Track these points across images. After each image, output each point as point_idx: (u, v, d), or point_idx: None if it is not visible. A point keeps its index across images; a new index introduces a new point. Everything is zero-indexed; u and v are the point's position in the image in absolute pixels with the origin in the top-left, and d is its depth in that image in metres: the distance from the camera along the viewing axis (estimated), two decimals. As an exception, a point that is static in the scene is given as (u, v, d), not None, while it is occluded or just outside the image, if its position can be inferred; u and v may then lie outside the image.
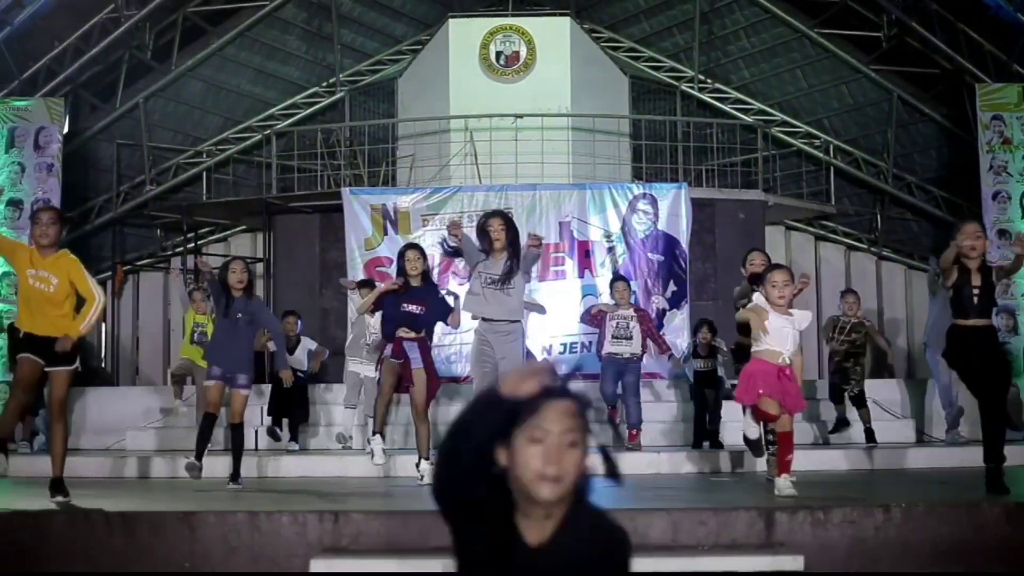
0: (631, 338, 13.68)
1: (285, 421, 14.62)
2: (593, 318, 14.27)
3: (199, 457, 10.94)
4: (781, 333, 9.06)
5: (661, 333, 15.63)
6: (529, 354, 13.77)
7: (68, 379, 9.29)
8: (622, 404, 13.72)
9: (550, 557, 3.10)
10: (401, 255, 11.17)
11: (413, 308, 10.86)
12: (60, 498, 9.01)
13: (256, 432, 14.60)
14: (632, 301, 14.62)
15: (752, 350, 9.22)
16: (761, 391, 8.99)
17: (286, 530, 7.20)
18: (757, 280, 9.86)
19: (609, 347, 13.75)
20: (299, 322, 15.13)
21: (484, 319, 10.79)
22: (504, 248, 10.66)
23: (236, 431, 11.15)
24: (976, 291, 9.08)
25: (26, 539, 7.48)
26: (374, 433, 11.29)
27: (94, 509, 8.08)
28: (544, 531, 3.12)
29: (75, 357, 9.30)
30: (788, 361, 9.03)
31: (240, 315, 10.94)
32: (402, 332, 10.85)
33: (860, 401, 14.16)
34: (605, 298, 17.03)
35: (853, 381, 14.17)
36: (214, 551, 7.27)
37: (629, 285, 14.38)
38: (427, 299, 10.97)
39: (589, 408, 3.14)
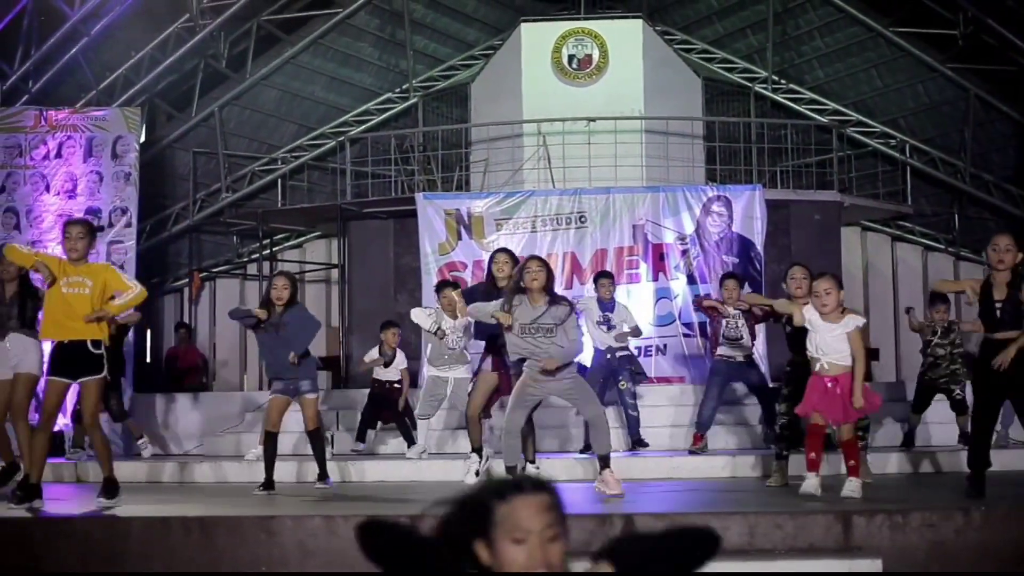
0: (742, 338, 13.19)
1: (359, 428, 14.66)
2: (705, 311, 13.99)
3: (268, 484, 10.85)
4: (822, 339, 9.12)
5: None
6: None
7: (98, 388, 9.35)
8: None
9: None
10: (492, 260, 11.15)
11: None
12: (106, 500, 9.14)
13: (332, 436, 14.67)
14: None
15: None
16: (812, 408, 9.10)
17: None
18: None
19: (721, 349, 13.28)
20: (399, 335, 14.91)
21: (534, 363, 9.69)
22: (542, 290, 9.64)
23: (314, 436, 11.14)
24: (999, 304, 8.95)
25: (106, 543, 7.57)
26: (472, 451, 11.19)
27: (175, 517, 8.13)
28: None
29: (102, 366, 9.31)
30: (827, 368, 9.07)
31: (278, 328, 10.91)
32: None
33: (963, 407, 13.65)
34: (680, 301, 17.03)
35: (959, 384, 13.72)
36: (291, 555, 7.32)
37: (740, 283, 13.66)
38: None
39: (560, 498, 3.19)
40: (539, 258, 10.07)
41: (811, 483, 9.04)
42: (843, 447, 9.30)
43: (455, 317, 12.34)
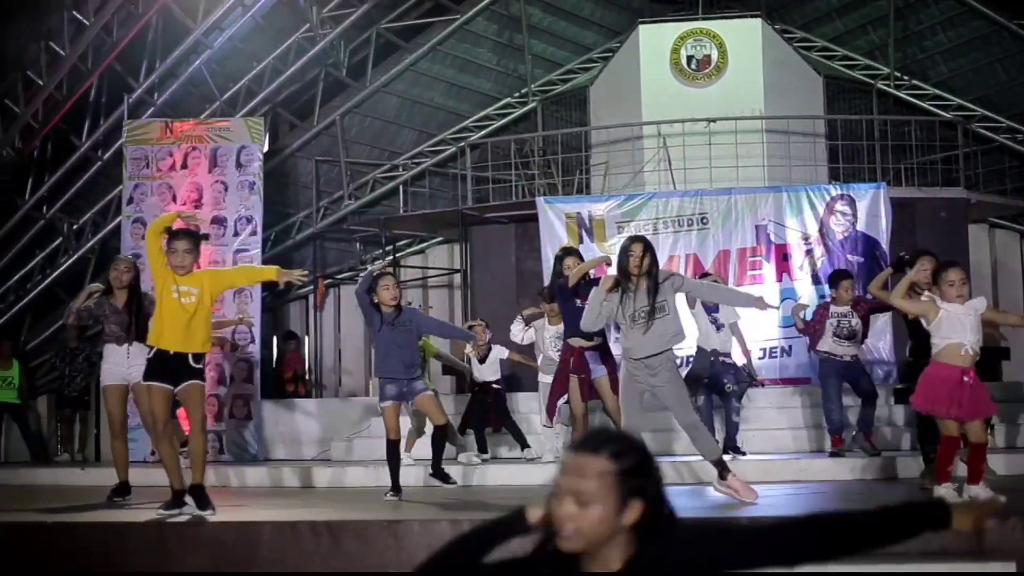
0: (855, 336, 12.91)
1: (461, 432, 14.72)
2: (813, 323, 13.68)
3: (395, 489, 10.81)
4: (960, 322, 8.65)
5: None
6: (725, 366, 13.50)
7: (200, 393, 9.44)
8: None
9: None
10: (560, 259, 11.16)
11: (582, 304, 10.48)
12: (204, 512, 9.15)
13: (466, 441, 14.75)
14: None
15: (932, 353, 8.87)
16: (942, 412, 8.72)
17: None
18: (899, 268, 9.54)
19: (828, 345, 12.91)
20: (488, 330, 15.00)
21: (633, 358, 9.58)
22: (644, 275, 9.40)
23: (440, 432, 11.15)
24: None
25: (237, 547, 7.66)
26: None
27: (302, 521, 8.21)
28: (608, 566, 3.20)
29: (203, 376, 9.44)
30: (973, 352, 8.62)
31: (393, 325, 10.84)
32: (582, 342, 10.72)
33: None
34: (805, 302, 16.83)
35: None
36: (417, 558, 7.33)
37: (853, 282, 13.47)
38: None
39: (626, 465, 3.18)
40: (641, 239, 9.78)
41: (945, 493, 8.53)
42: (973, 450, 8.79)
43: (554, 324, 12.40)
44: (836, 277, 13.43)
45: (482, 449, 14.39)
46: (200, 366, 9.35)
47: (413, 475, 12.17)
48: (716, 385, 13.42)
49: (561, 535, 3.13)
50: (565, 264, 11.03)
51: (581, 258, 11.25)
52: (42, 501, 10.71)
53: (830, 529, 3.33)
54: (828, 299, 13.42)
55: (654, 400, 9.77)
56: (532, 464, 13.32)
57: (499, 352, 14.74)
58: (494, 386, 14.60)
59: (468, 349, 14.84)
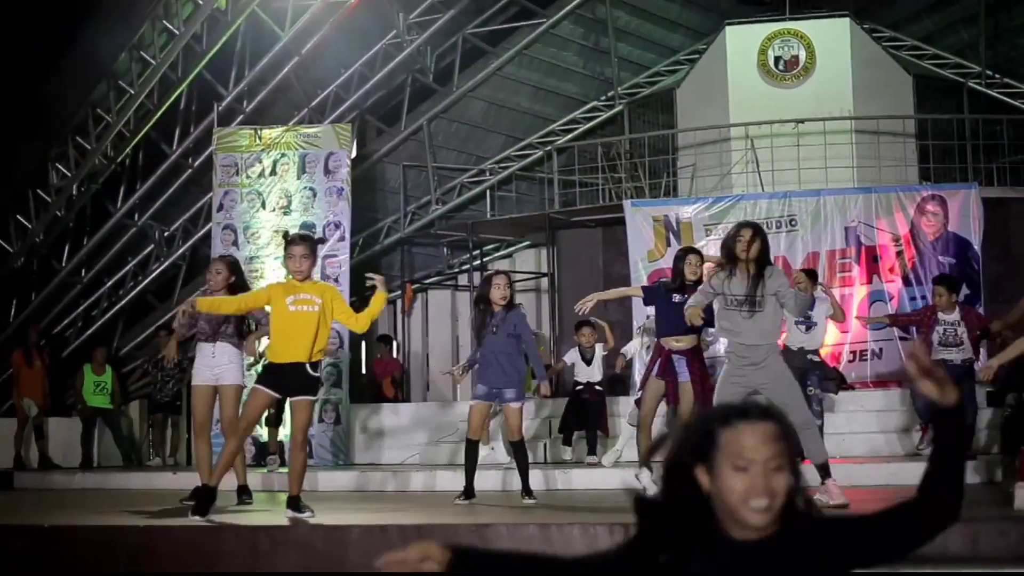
0: (961, 344, 12.78)
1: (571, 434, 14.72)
2: (901, 327, 13.48)
3: (468, 493, 10.74)
4: None
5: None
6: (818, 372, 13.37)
7: (310, 409, 9.44)
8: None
9: (762, 553, 3.07)
10: (681, 258, 10.87)
11: (679, 297, 10.40)
12: (302, 514, 9.18)
13: (545, 445, 14.74)
14: (956, 301, 13.38)
15: None
16: None
17: (577, 542, 7.23)
18: None
19: (936, 355, 12.51)
20: (595, 333, 14.92)
21: (738, 343, 9.40)
22: (755, 261, 9.20)
23: (518, 448, 10.88)
24: None
25: (327, 551, 7.71)
26: (641, 466, 10.58)
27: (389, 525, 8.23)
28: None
29: (316, 387, 9.44)
30: None
31: (499, 327, 10.71)
32: (672, 342, 10.62)
33: None
34: (895, 304, 16.68)
35: None
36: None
37: (953, 286, 13.33)
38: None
39: (789, 429, 3.12)
40: (752, 224, 9.58)
41: None
42: None
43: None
44: (935, 282, 13.34)
45: (567, 443, 14.49)
46: (317, 374, 9.33)
47: (492, 479, 12.19)
48: (802, 385, 13.26)
49: (766, 508, 3.04)
50: (688, 261, 10.79)
51: (702, 257, 11.07)
52: (135, 505, 10.82)
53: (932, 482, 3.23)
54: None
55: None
56: (608, 468, 13.23)
57: (601, 351, 14.71)
58: (596, 387, 14.60)
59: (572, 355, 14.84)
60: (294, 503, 9.26)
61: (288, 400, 9.46)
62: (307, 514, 9.11)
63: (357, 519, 8.90)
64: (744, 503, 3.02)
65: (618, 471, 12.67)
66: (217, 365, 10.75)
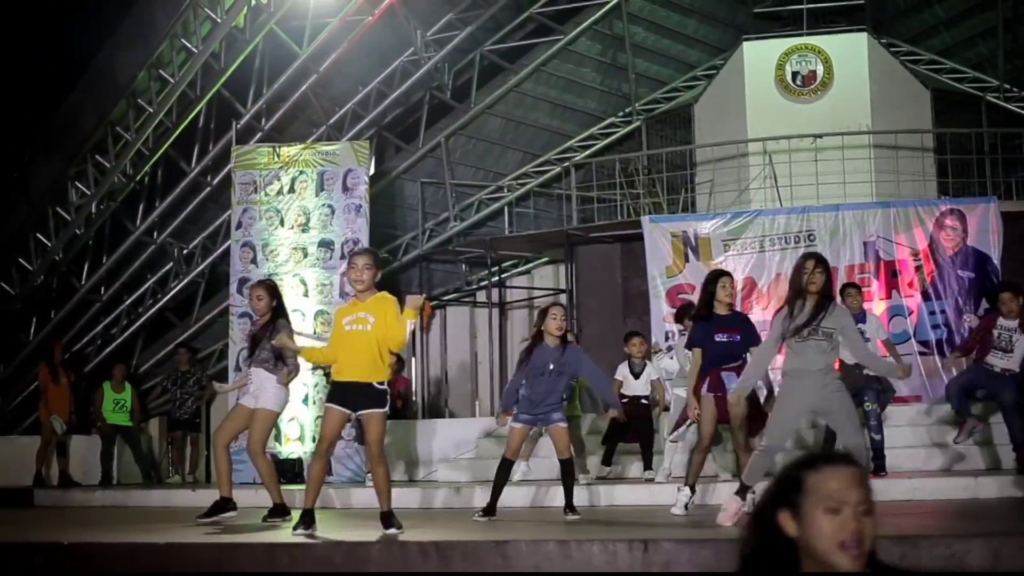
0: (1011, 351, 12.74)
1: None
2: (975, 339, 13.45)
3: (489, 510, 10.78)
4: None
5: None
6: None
7: (381, 421, 9.39)
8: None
9: None
10: (713, 281, 10.65)
11: (723, 337, 10.40)
12: (393, 530, 9.13)
13: (585, 463, 14.71)
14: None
15: None
16: None
17: (596, 558, 7.21)
18: None
19: (987, 356, 12.88)
20: (644, 344, 14.87)
21: (796, 368, 9.23)
22: (818, 293, 9.14)
23: (566, 466, 10.84)
24: None
25: (345, 568, 7.70)
26: (686, 484, 10.56)
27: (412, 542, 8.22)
28: None
29: (386, 400, 9.39)
30: None
31: (551, 366, 10.63)
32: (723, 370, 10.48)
33: None
34: (915, 319, 16.62)
35: None
36: (526, 580, 7.34)
37: (1019, 294, 13.16)
38: (739, 326, 10.50)
39: (868, 475, 3.22)
40: (815, 254, 9.50)
41: None
42: None
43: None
44: (999, 290, 13.48)
45: (606, 462, 14.43)
46: (384, 387, 9.32)
47: (522, 495, 12.17)
48: (858, 400, 13.16)
49: (859, 552, 3.08)
50: (721, 284, 10.55)
51: (732, 280, 10.96)
52: (154, 522, 10.85)
53: None
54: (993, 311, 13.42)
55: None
56: (653, 485, 13.22)
57: (651, 371, 14.59)
58: (642, 401, 14.50)
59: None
60: (385, 519, 9.25)
61: (356, 416, 9.46)
62: (394, 531, 9.08)
63: (376, 536, 8.89)
64: (835, 546, 3.06)
65: (670, 487, 12.56)
66: (256, 389, 10.86)
